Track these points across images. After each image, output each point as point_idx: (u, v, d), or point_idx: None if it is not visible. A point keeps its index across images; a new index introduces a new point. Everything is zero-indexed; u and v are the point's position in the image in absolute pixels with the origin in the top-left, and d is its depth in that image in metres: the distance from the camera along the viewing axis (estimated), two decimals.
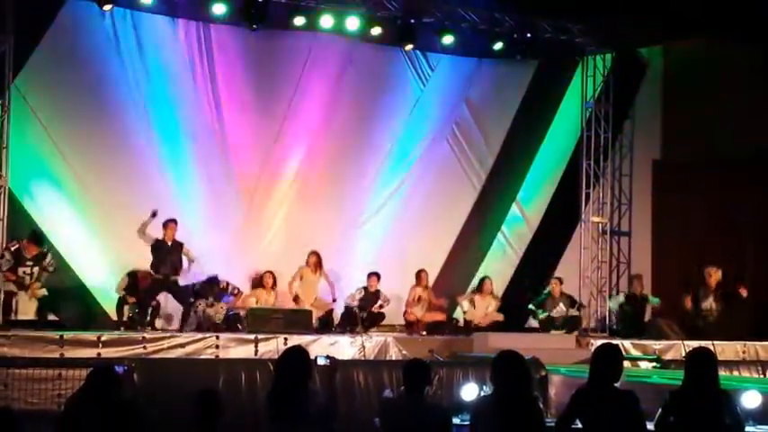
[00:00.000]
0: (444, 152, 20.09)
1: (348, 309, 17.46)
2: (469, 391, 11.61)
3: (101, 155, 17.20)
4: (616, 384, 7.44)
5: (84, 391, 7.63)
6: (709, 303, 18.15)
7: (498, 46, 19.26)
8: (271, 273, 17.31)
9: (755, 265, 19.28)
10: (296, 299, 17.30)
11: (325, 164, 18.95)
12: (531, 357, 11.45)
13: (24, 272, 15.57)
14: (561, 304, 18.39)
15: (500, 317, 18.13)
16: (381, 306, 17.67)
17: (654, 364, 15.66)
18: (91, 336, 14.63)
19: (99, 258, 16.97)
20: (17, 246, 15.57)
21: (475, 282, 18.85)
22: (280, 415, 7.30)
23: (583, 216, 20.17)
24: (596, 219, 20.25)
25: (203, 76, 18.11)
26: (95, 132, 17.19)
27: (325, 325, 17.27)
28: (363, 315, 17.33)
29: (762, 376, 14.90)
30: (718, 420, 7.57)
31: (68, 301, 16.40)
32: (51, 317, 15.86)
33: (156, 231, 16.31)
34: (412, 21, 18.15)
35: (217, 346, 15.17)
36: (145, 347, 14.75)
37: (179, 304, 16.57)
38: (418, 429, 7.55)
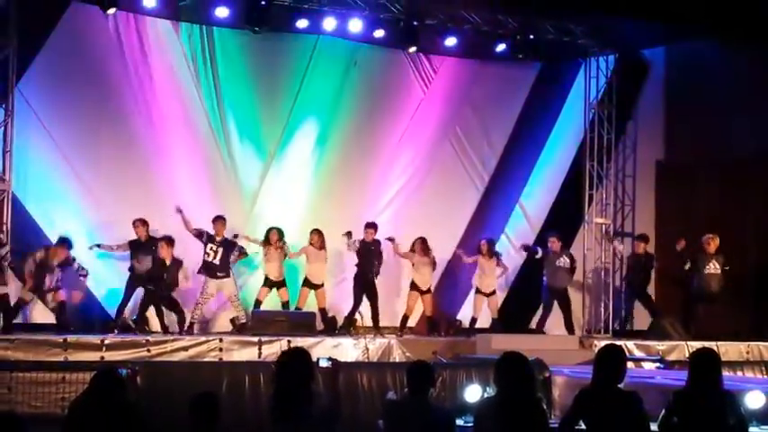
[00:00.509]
0: (447, 154, 20.10)
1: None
2: (473, 393, 11.60)
3: (104, 158, 17.22)
4: (620, 385, 7.44)
5: (89, 395, 7.63)
6: (712, 267, 18.16)
7: (501, 48, 19.27)
8: (277, 229, 17.43)
9: (759, 266, 19.25)
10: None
11: (328, 166, 18.98)
12: (535, 358, 11.42)
13: (50, 279, 15.71)
14: (564, 257, 18.50)
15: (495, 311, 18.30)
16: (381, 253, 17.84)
17: (657, 364, 15.65)
18: (94, 339, 14.65)
19: (103, 262, 16.96)
20: (43, 253, 15.68)
21: None
22: (283, 416, 7.29)
23: (586, 217, 20.17)
24: (599, 220, 20.24)
25: (206, 79, 18.13)
26: (99, 136, 17.21)
27: (330, 327, 17.34)
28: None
29: (766, 377, 14.89)
30: (722, 421, 7.56)
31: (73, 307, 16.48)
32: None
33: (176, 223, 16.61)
34: (415, 23, 18.16)
35: (220, 349, 15.18)
36: (148, 350, 14.74)
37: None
38: (422, 431, 7.55)
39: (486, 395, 10.89)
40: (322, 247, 17.56)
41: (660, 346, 17.18)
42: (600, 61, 20.15)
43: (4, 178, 15.96)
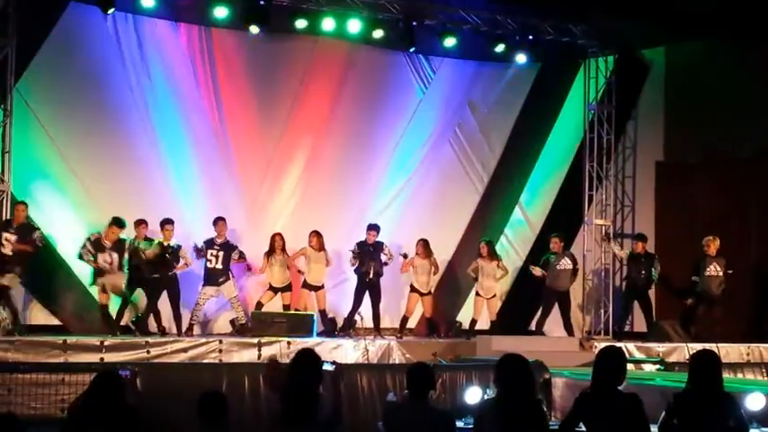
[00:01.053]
0: (447, 155, 20.09)
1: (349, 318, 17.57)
2: (473, 395, 11.60)
3: (103, 159, 17.21)
4: (620, 387, 7.43)
5: (89, 397, 7.61)
6: (713, 269, 18.15)
7: (500, 48, 19.24)
8: (280, 234, 17.45)
9: (759, 267, 19.25)
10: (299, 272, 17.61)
11: (327, 167, 18.97)
12: (535, 360, 11.42)
13: (104, 260, 15.84)
14: (566, 258, 18.46)
15: (493, 313, 18.29)
16: (386, 263, 17.77)
17: (657, 366, 15.65)
18: (94, 340, 14.64)
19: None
20: (97, 236, 15.85)
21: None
22: (288, 419, 7.28)
23: (586, 218, 20.15)
24: (599, 221, 20.22)
25: (205, 79, 18.13)
26: (98, 136, 17.20)
27: (329, 328, 17.33)
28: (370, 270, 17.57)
29: (766, 378, 14.88)
30: (722, 423, 7.56)
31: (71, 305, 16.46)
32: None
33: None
34: (414, 23, 18.14)
35: (220, 351, 15.17)
36: (148, 352, 14.74)
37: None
38: None
39: (486, 397, 10.88)
40: (321, 248, 17.54)
41: (660, 347, 17.17)
42: (599, 62, 20.13)
43: (3, 179, 15.95)
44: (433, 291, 18.32)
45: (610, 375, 7.46)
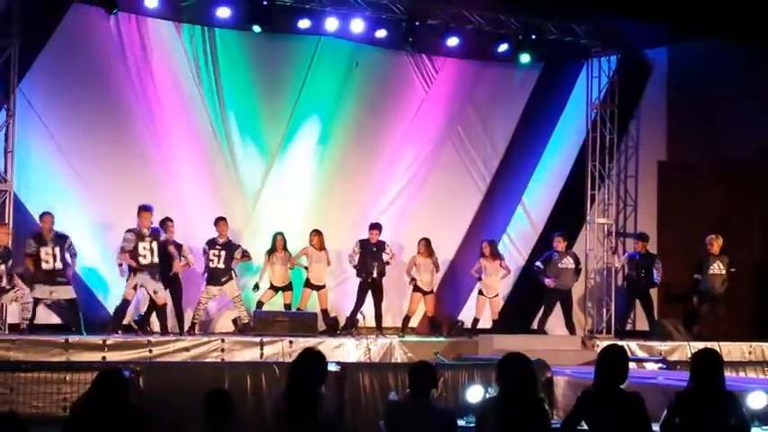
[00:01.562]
0: (449, 154, 20.09)
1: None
2: (475, 393, 11.60)
3: (106, 158, 17.21)
4: (622, 386, 7.44)
5: (91, 396, 7.62)
6: (716, 268, 18.15)
7: (503, 48, 19.24)
8: (281, 234, 17.46)
9: (762, 266, 19.26)
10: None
11: (329, 166, 18.97)
12: (537, 359, 11.44)
13: (144, 247, 15.91)
14: (569, 257, 18.47)
15: (496, 312, 18.30)
16: (388, 263, 17.77)
17: (660, 365, 15.65)
18: (96, 339, 14.65)
19: (104, 262, 16.96)
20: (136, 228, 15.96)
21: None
22: (290, 417, 7.29)
23: (588, 217, 20.15)
24: (602, 220, 20.23)
25: (208, 79, 18.14)
26: (100, 136, 17.20)
27: (331, 327, 17.34)
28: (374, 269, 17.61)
29: None
30: (723, 422, 7.56)
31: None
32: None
33: None
34: (417, 23, 18.14)
35: (222, 350, 15.17)
36: (150, 351, 14.73)
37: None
38: None
39: (488, 396, 10.88)
40: (322, 247, 17.55)
41: (662, 346, 17.19)
42: (602, 61, 20.13)
43: (6, 178, 15.96)
44: (435, 289, 18.32)
45: (612, 374, 7.48)
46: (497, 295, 18.38)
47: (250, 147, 18.49)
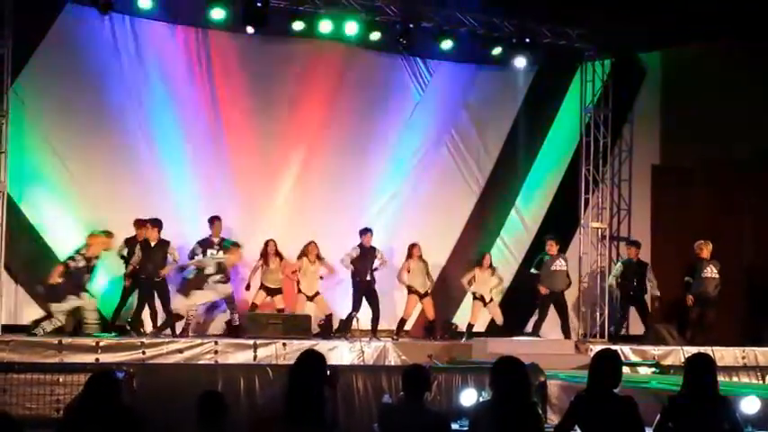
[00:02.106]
0: (443, 157, 20.08)
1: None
2: (468, 397, 11.58)
3: (100, 159, 17.19)
4: (615, 390, 7.44)
5: (85, 397, 7.60)
6: (709, 271, 18.18)
7: (497, 51, 19.24)
8: (272, 241, 17.47)
9: (754, 270, 19.28)
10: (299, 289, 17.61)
11: (323, 169, 18.95)
12: (531, 363, 11.44)
13: (212, 254, 16.51)
14: (561, 259, 18.50)
15: (498, 316, 18.27)
16: (376, 268, 17.81)
17: (653, 369, 15.67)
18: (89, 341, 14.63)
19: (99, 263, 16.91)
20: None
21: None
22: (290, 419, 7.27)
23: (582, 221, 20.17)
24: (595, 224, 20.24)
25: (202, 81, 18.12)
26: (94, 137, 17.18)
27: (325, 330, 17.32)
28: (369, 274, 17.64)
29: (761, 382, 14.89)
30: (717, 426, 7.56)
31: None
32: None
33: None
34: (411, 26, 18.14)
35: (215, 352, 15.16)
36: (143, 353, 14.74)
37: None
38: None
39: (481, 399, 10.87)
40: (315, 260, 17.53)
41: (656, 350, 17.19)
42: (596, 65, 20.14)
43: None
44: (430, 291, 18.29)
45: (605, 378, 7.47)
46: (492, 300, 18.40)
47: (243, 148, 18.46)
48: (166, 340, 15.36)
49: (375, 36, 18.45)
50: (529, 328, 18.90)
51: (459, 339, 17.73)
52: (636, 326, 19.36)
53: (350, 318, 17.52)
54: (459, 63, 19.95)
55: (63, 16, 16.81)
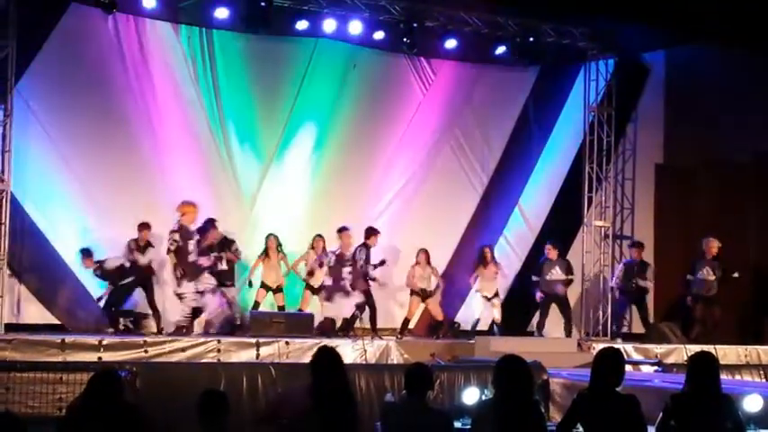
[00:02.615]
0: (447, 156, 20.09)
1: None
2: (471, 395, 11.58)
3: (103, 159, 17.20)
4: (618, 388, 7.44)
5: (87, 396, 7.60)
6: (706, 272, 18.19)
7: (501, 50, 19.25)
8: (274, 236, 17.50)
9: (758, 269, 19.27)
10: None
11: (327, 168, 18.96)
12: (533, 361, 11.44)
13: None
14: (558, 267, 18.51)
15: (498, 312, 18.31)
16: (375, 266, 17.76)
17: (655, 367, 15.66)
18: (92, 340, 14.64)
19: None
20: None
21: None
22: (322, 417, 7.32)
23: (585, 220, 20.16)
24: (599, 223, 20.24)
25: (206, 80, 18.13)
26: (98, 137, 17.19)
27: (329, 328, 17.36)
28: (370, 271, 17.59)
29: (764, 380, 14.89)
30: (719, 424, 7.57)
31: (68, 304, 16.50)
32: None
33: None
34: (414, 25, 18.14)
35: (218, 350, 15.17)
36: (146, 351, 14.75)
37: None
38: None
39: (484, 398, 10.88)
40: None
41: (658, 349, 17.20)
42: (600, 64, 20.15)
43: (3, 178, 15.94)
44: (433, 290, 18.24)
45: (608, 377, 7.47)
46: (497, 294, 18.41)
47: (247, 148, 18.49)
48: (169, 339, 15.37)
49: (379, 35, 18.47)
50: (531, 326, 18.90)
51: (462, 338, 17.72)
52: (638, 324, 19.37)
53: (356, 318, 17.53)
54: (462, 62, 19.96)
55: (67, 16, 16.82)
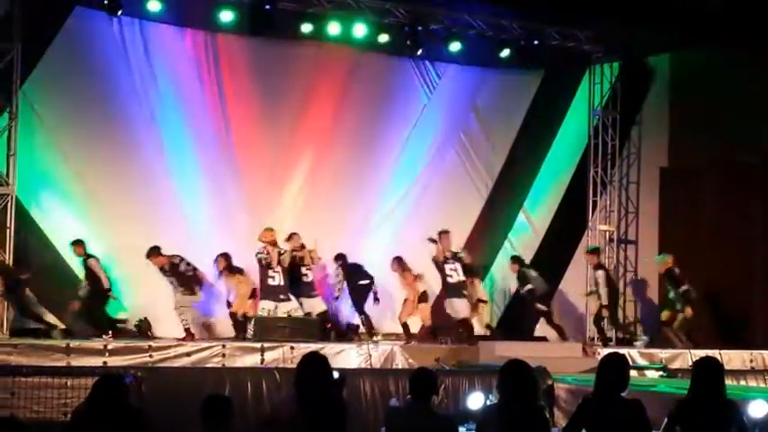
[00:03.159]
0: (451, 160, 20.09)
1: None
2: (475, 400, 11.60)
3: (108, 162, 17.23)
4: (622, 393, 7.43)
5: (92, 400, 7.60)
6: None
7: (505, 53, 19.23)
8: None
9: (763, 272, 19.23)
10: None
11: (332, 172, 18.96)
12: (538, 366, 11.43)
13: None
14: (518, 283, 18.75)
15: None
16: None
17: (660, 373, 15.64)
18: (97, 344, 14.64)
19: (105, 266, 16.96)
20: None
21: None
22: (308, 420, 7.29)
23: (590, 224, 20.16)
24: (603, 227, 20.22)
25: (210, 83, 18.15)
26: (103, 140, 17.23)
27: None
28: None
29: None
30: (724, 430, 7.56)
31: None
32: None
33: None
34: (419, 28, 18.14)
35: (223, 355, 15.17)
36: (151, 356, 14.76)
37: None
38: None
39: (488, 402, 10.88)
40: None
41: (663, 354, 17.16)
42: (604, 67, 20.15)
43: (8, 182, 15.96)
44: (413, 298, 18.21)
45: (613, 382, 7.47)
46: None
47: (252, 151, 18.48)
48: (174, 344, 15.38)
49: (383, 38, 18.48)
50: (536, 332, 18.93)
51: (467, 343, 17.70)
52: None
53: (363, 322, 17.56)
54: (467, 65, 19.96)
55: (71, 19, 16.85)
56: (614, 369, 7.55)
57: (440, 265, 17.38)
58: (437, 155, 19.96)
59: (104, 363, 14.08)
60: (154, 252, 16.45)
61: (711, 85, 19.63)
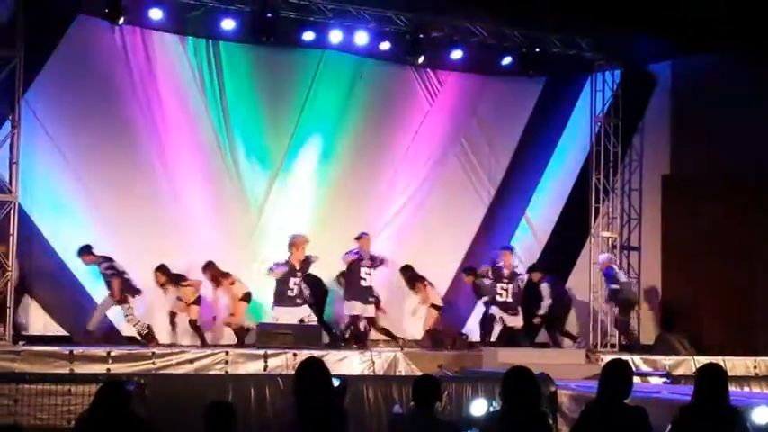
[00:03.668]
0: (453, 167, 20.09)
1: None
2: (479, 407, 11.58)
3: (111, 170, 17.23)
4: (626, 400, 7.43)
5: (95, 408, 7.61)
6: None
7: (507, 61, 19.26)
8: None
9: (764, 280, 19.22)
10: None
11: (333, 179, 18.97)
12: (541, 373, 11.44)
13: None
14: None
15: None
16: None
17: (664, 379, 15.64)
18: (100, 351, 14.64)
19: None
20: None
21: None
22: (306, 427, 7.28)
23: (592, 231, 20.14)
24: (606, 234, 20.22)
25: (212, 92, 18.15)
26: (105, 148, 17.22)
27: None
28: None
29: None
30: None
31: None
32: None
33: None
34: (421, 36, 18.16)
35: (226, 362, 15.15)
36: (154, 363, 14.74)
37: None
38: None
39: (491, 409, 10.87)
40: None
41: (667, 360, 17.16)
42: (606, 75, 20.15)
43: (11, 189, 15.95)
44: (427, 302, 18.25)
45: (616, 388, 7.46)
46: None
47: (254, 159, 18.51)
48: (177, 350, 15.38)
49: (385, 46, 18.49)
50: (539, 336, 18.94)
51: (470, 349, 17.71)
52: (646, 336, 19.37)
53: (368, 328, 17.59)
54: (469, 73, 19.98)
55: (74, 27, 16.86)
56: (617, 375, 7.54)
57: (356, 265, 17.30)
58: (439, 162, 19.97)
59: (107, 369, 14.07)
60: (84, 251, 16.42)
61: (713, 93, 19.64)
